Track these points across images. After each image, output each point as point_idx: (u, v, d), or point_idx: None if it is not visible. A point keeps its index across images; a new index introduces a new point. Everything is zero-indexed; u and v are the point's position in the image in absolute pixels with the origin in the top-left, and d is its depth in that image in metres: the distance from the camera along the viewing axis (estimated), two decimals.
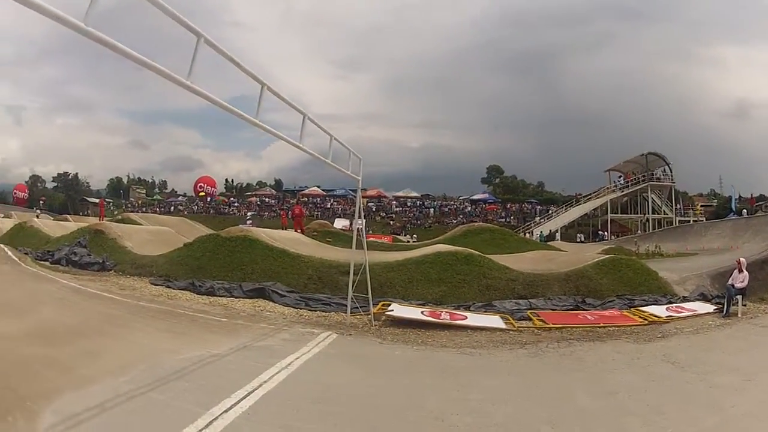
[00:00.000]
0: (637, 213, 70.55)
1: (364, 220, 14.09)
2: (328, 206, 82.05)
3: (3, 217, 56.04)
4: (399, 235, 59.04)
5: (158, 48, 5.78)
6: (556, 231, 64.60)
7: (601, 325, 14.06)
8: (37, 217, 50.87)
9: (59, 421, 6.85)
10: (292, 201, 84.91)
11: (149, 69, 5.91)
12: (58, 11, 4.47)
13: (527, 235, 61.06)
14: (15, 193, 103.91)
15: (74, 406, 7.36)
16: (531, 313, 15.35)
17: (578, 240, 61.55)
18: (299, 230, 35.79)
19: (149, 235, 32.60)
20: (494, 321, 14.39)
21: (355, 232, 16.37)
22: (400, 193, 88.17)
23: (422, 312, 14.83)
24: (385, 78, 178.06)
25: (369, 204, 77.98)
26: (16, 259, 24.93)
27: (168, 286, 19.91)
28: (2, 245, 28.96)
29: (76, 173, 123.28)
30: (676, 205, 70.24)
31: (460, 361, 10.70)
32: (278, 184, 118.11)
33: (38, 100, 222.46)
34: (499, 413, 7.59)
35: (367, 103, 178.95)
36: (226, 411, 7.47)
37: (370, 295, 15.09)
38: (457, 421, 7.22)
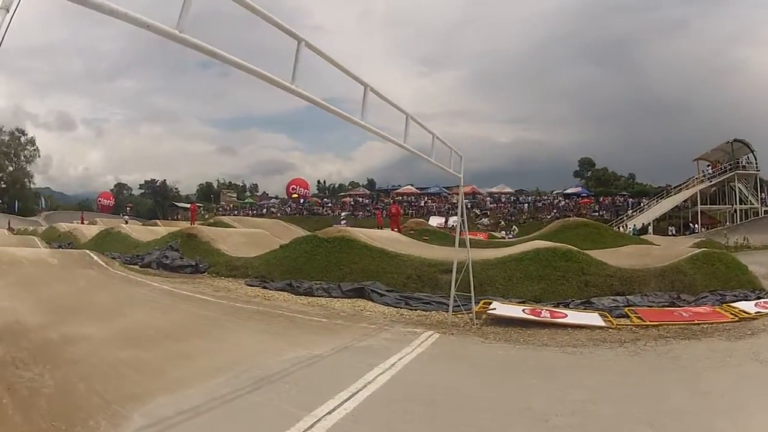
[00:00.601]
0: (725, 204, 68.06)
1: (464, 218, 13.89)
2: (422, 204, 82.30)
3: (88, 224, 58.56)
4: (494, 231, 58.82)
5: (247, 53, 5.80)
6: (648, 224, 63.53)
7: (696, 322, 13.61)
8: (126, 223, 52.67)
9: (148, 425, 6.82)
10: (386, 200, 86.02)
11: (252, 74, 6.09)
12: (151, 21, 4.60)
13: (620, 228, 60.12)
14: (99, 200, 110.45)
15: (165, 410, 7.35)
16: (628, 310, 15.01)
17: (670, 233, 60.40)
18: (396, 229, 36.31)
19: (243, 237, 33.51)
20: (594, 319, 14.14)
21: (458, 230, 16.20)
22: (494, 189, 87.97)
23: (523, 310, 14.65)
24: (469, 74, 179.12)
25: (464, 201, 77.63)
26: (102, 263, 25.66)
27: (264, 287, 20.32)
28: (88, 251, 29.92)
29: (164, 180, 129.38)
30: (761, 195, 67.05)
31: (562, 361, 10.48)
32: (371, 183, 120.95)
33: (120, 112, 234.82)
34: (601, 414, 7.36)
35: (453, 99, 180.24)
36: (329, 413, 7.33)
37: (473, 294, 14.84)
38: (561, 423, 6.99)
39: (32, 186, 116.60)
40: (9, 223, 70.90)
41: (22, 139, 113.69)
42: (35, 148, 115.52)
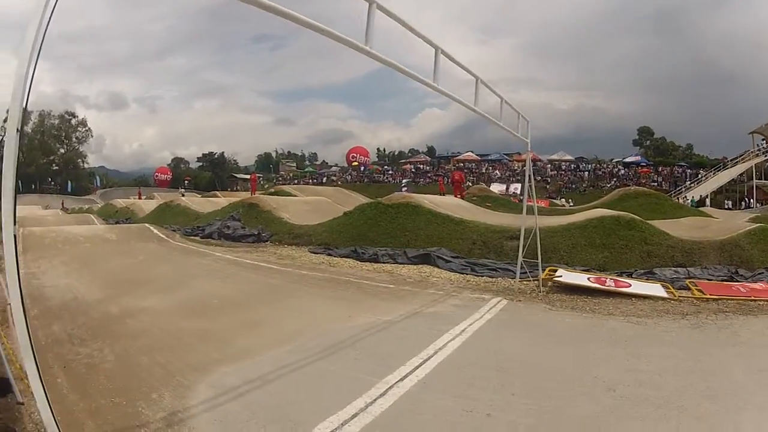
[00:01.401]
0: None
1: (532, 183, 13.86)
2: (483, 171, 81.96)
3: (146, 199, 59.72)
4: (554, 198, 58.25)
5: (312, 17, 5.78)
6: (706, 196, 62.16)
7: (753, 298, 13.25)
8: (182, 195, 53.36)
9: (216, 395, 6.75)
10: (447, 167, 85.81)
11: (328, 36, 6.12)
12: None
13: (679, 200, 58.49)
14: (156, 175, 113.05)
15: (232, 379, 7.31)
16: (689, 282, 14.72)
17: (726, 207, 58.79)
18: (459, 195, 36.15)
19: (306, 205, 33.92)
20: (656, 289, 13.92)
21: (525, 196, 16.11)
22: (554, 156, 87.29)
23: (588, 278, 14.55)
24: (527, 42, 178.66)
25: (524, 167, 77.04)
26: (163, 236, 26.23)
27: (329, 254, 20.55)
28: (147, 225, 30.36)
29: (222, 152, 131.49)
30: None
31: (628, 330, 10.34)
32: (431, 150, 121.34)
33: (173, 89, 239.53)
34: (666, 385, 7.17)
35: (512, 67, 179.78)
36: (401, 379, 7.26)
37: (539, 261, 14.80)
38: (628, 393, 6.85)
39: (86, 166, 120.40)
40: (62, 203, 73.04)
41: (73, 121, 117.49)
42: (87, 129, 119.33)
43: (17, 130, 3.42)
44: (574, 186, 72.13)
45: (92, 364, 8.08)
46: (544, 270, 14.95)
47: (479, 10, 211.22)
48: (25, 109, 3.47)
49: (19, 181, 3.72)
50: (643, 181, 69.26)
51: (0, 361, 7.28)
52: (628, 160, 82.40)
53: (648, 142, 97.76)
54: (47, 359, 7.71)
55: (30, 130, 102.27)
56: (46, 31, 3.49)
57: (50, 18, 3.48)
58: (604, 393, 6.85)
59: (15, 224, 3.58)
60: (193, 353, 8.60)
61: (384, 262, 18.49)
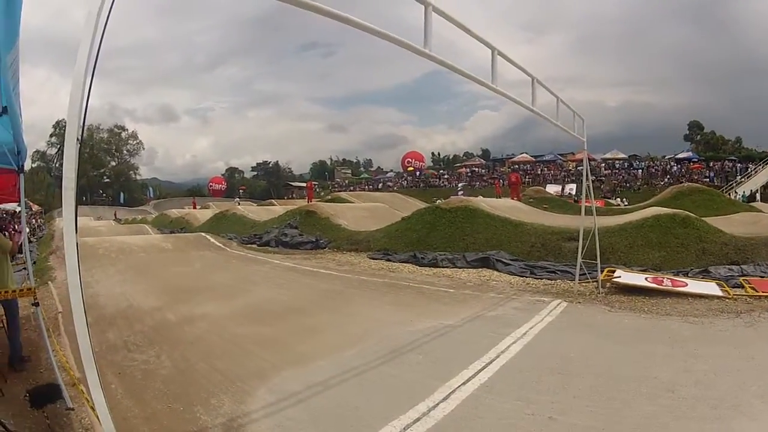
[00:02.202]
0: None
1: (590, 183, 13.90)
2: (538, 172, 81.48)
3: (201, 209, 60.62)
4: (610, 198, 57.68)
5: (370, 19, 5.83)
6: (756, 191, 60.35)
7: None
8: (238, 204, 53.90)
9: (276, 400, 6.74)
10: (502, 169, 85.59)
11: (389, 40, 6.13)
12: None
13: (730, 195, 57.36)
14: (211, 185, 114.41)
15: (293, 384, 7.31)
16: (743, 279, 14.50)
17: None
18: (516, 198, 36.17)
19: (364, 211, 34.25)
20: (712, 288, 13.93)
21: (584, 196, 15.99)
22: (607, 155, 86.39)
23: (646, 278, 14.47)
24: (573, 38, 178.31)
25: (578, 168, 76.52)
26: (219, 245, 26.67)
27: (388, 260, 20.67)
28: (203, 234, 30.76)
29: (276, 161, 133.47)
30: None
31: (685, 330, 10.26)
32: (485, 153, 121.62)
33: (225, 100, 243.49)
34: (720, 385, 7.11)
35: (559, 65, 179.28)
36: (464, 383, 7.22)
37: (599, 262, 14.77)
38: (686, 393, 6.80)
39: (138, 177, 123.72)
40: (115, 214, 74.51)
41: (123, 134, 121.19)
42: (138, 141, 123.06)
43: (77, 140, 3.44)
44: (628, 185, 71.20)
45: (149, 371, 8.17)
46: (602, 271, 14.95)
47: (523, 7, 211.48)
48: (84, 120, 3.49)
49: None
50: (695, 177, 67.71)
51: (51, 368, 7.40)
52: (680, 156, 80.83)
53: (698, 137, 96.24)
54: (101, 366, 7.81)
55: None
56: (100, 45, 3.53)
57: (103, 32, 3.52)
58: (663, 394, 6.79)
59: (76, 233, 3.60)
60: (253, 359, 8.64)
61: (443, 267, 18.51)
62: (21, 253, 12.28)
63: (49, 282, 16.86)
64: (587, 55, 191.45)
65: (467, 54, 8.71)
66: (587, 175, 14.99)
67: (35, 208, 52.44)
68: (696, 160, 75.54)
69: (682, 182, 53.82)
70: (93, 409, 5.46)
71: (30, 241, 16.52)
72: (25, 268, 15.66)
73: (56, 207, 66.40)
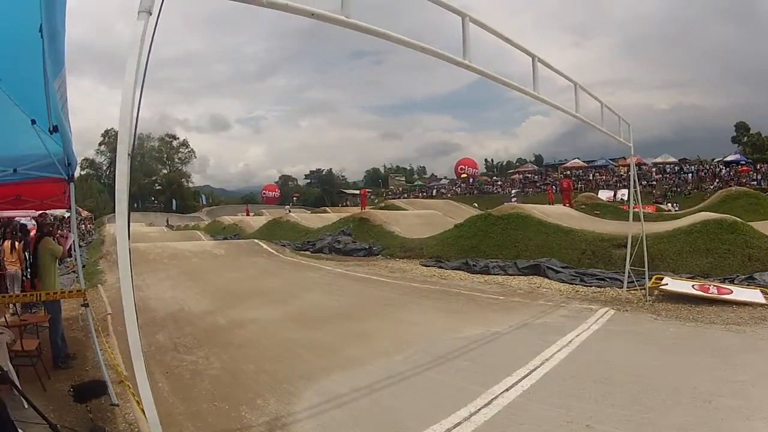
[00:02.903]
0: None
1: (638, 189, 13.92)
2: (590, 178, 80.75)
3: (254, 215, 61.26)
4: (661, 203, 56.93)
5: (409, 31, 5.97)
6: None
7: None
8: (288, 212, 54.35)
9: (321, 402, 6.90)
10: (554, 175, 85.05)
11: (428, 53, 6.28)
12: (315, 9, 4.84)
13: None
14: (264, 193, 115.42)
15: (340, 387, 7.46)
16: None
17: None
18: (568, 204, 35.94)
19: (417, 218, 34.28)
20: (755, 295, 13.78)
21: (631, 202, 16.00)
22: (658, 159, 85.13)
23: (693, 286, 14.44)
24: (620, 40, 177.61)
25: (629, 173, 75.62)
26: (272, 251, 27.05)
27: (440, 267, 20.81)
28: (256, 240, 31.12)
29: (330, 168, 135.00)
30: None
31: (727, 339, 10.25)
32: (538, 159, 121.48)
33: (277, 108, 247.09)
34: (756, 396, 7.07)
35: (607, 68, 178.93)
36: (506, 390, 7.28)
37: (646, 270, 14.74)
38: (722, 404, 6.77)
39: (190, 185, 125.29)
40: (167, 221, 75.37)
41: (174, 143, 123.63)
42: (189, 150, 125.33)
43: (128, 154, 3.61)
44: (678, 189, 70.22)
45: (197, 371, 8.45)
46: (650, 278, 14.88)
47: (569, 10, 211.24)
48: (134, 138, 3.67)
49: None
50: (744, 180, 66.58)
51: (98, 366, 7.66)
52: (728, 159, 79.52)
53: (745, 138, 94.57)
54: (149, 366, 8.05)
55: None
56: (147, 60, 3.69)
57: (151, 45, 3.67)
58: (700, 404, 6.80)
59: (129, 238, 3.77)
60: (302, 362, 8.85)
61: (495, 274, 18.62)
62: (70, 256, 12.58)
63: (99, 285, 17.45)
64: (635, 58, 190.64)
65: (512, 60, 8.78)
66: (635, 182, 14.99)
67: (84, 213, 53.32)
68: (744, 162, 74.11)
69: (731, 186, 53.18)
70: (139, 404, 5.66)
71: (80, 246, 16.95)
72: (74, 272, 16.09)
73: (106, 213, 67.71)
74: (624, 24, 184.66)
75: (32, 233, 14.51)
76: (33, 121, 5.22)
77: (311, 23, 4.96)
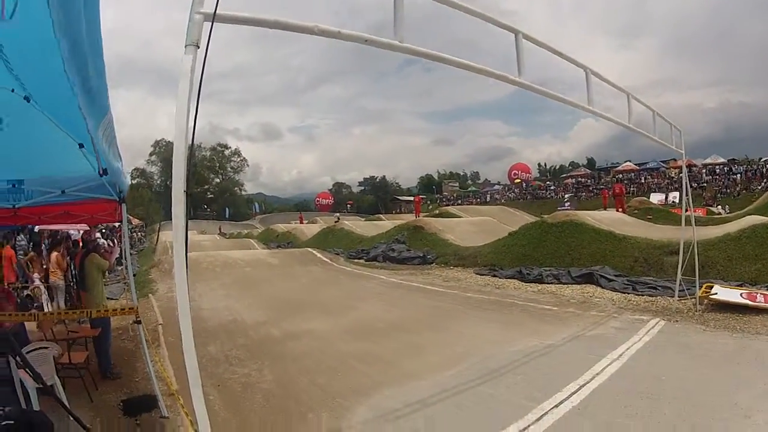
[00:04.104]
0: None
1: (689, 197, 13.90)
2: (642, 181, 80.00)
3: (308, 223, 61.69)
4: (711, 206, 56.15)
5: (457, 50, 6.09)
6: None
7: None
8: (337, 220, 54.84)
9: (374, 417, 6.96)
10: (607, 179, 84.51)
11: (483, 74, 6.36)
12: (369, 35, 5.00)
13: None
14: (318, 200, 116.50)
15: (392, 402, 7.51)
16: None
17: None
18: (621, 209, 35.87)
19: (471, 226, 34.44)
20: None
21: (684, 211, 15.86)
22: (708, 160, 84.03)
23: (741, 294, 14.22)
24: (665, 39, 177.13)
25: (681, 175, 74.58)
26: (326, 260, 27.34)
27: (494, 275, 20.86)
28: (310, 249, 31.42)
29: (383, 175, 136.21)
30: None
31: None
32: (591, 162, 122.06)
33: (330, 117, 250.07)
34: None
35: (656, 68, 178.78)
36: (556, 406, 7.31)
37: (697, 279, 14.73)
38: (761, 420, 6.78)
39: (243, 193, 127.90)
40: (220, 229, 76.63)
41: (226, 152, 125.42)
42: (242, 158, 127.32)
43: (185, 192, 3.68)
44: (728, 191, 69.11)
45: (249, 384, 8.60)
46: (701, 287, 14.81)
47: (617, 11, 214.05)
48: (190, 174, 3.72)
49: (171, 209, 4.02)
50: None
51: (148, 378, 7.83)
52: None
53: None
54: (201, 377, 8.20)
55: None
56: (200, 89, 3.76)
57: (201, 77, 3.74)
58: (739, 420, 6.81)
59: (186, 263, 3.83)
60: (356, 375, 8.94)
61: (548, 283, 18.66)
62: (120, 265, 12.86)
63: (150, 295, 17.83)
64: (682, 57, 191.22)
65: (563, 70, 8.86)
66: (686, 190, 14.88)
67: (135, 221, 54.32)
68: None
69: None
70: (188, 416, 5.81)
71: (131, 254, 17.35)
72: (126, 282, 16.38)
73: (157, 221, 68.79)
74: (669, 23, 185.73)
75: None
76: (81, 145, 5.29)
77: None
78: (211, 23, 3.77)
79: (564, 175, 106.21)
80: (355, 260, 28.48)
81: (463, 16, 5.88)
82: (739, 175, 71.64)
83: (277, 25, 4.30)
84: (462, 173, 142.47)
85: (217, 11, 3.79)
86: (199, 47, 3.81)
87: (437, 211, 51.78)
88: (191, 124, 3.69)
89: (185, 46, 3.80)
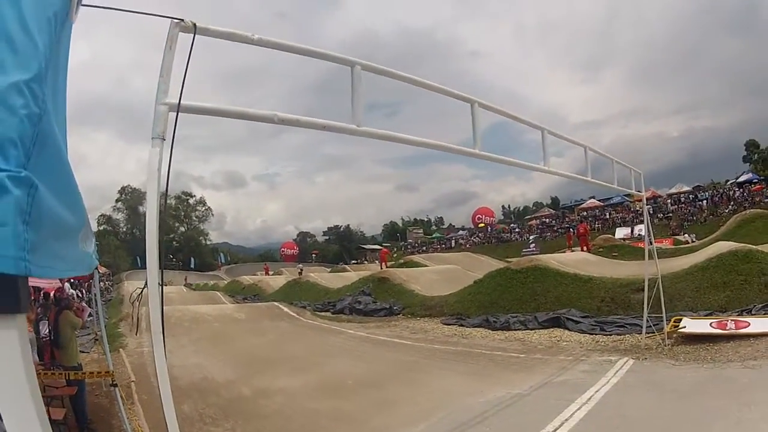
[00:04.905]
0: None
1: (651, 237, 14.20)
2: (607, 216, 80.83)
3: (273, 275, 61.53)
4: (678, 235, 56.85)
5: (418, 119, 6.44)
6: None
7: None
8: (300, 272, 54.99)
9: None
10: (571, 218, 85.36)
11: (438, 149, 7.27)
12: (327, 122, 5.51)
13: None
14: (283, 250, 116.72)
15: None
16: None
17: None
18: (585, 249, 36.95)
19: (436, 275, 34.44)
20: None
21: (646, 250, 16.12)
22: (672, 190, 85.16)
23: (710, 324, 14.73)
24: (628, 69, 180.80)
25: (646, 206, 75.41)
26: (293, 314, 27.24)
27: (461, 325, 21.00)
28: (276, 302, 31.45)
29: (348, 225, 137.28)
30: None
31: (742, 377, 10.41)
32: (555, 202, 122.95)
33: (292, 164, 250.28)
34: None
35: (619, 99, 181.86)
36: None
37: (664, 314, 15.02)
38: None
39: (208, 242, 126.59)
40: (185, 279, 75.39)
41: (191, 200, 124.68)
42: (206, 207, 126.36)
43: (159, 284, 3.80)
44: (694, 218, 69.67)
45: None
46: (669, 321, 15.05)
47: (578, 43, 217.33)
48: (161, 251, 3.82)
49: (138, 257, 4.08)
50: (758, 199, 65.93)
51: None
52: (741, 179, 78.74)
53: (756, 156, 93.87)
54: None
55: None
56: (168, 181, 3.90)
57: (169, 169, 3.86)
58: None
59: (163, 332, 3.95)
60: None
61: (516, 329, 18.82)
62: (91, 316, 13.04)
63: (121, 350, 17.74)
64: (645, 85, 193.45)
65: (527, 101, 9.11)
66: (648, 229, 15.29)
67: (102, 270, 53.70)
68: (756, 181, 73.55)
69: (746, 207, 53.20)
70: None
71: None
72: (96, 338, 16.41)
73: (123, 269, 68.01)
74: (628, 50, 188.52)
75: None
76: None
77: (324, 80, 5.32)
78: (176, 114, 3.99)
79: (528, 217, 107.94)
80: (322, 313, 28.52)
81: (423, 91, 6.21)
82: (704, 201, 72.35)
83: (239, 115, 4.68)
84: (426, 219, 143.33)
85: (181, 102, 3.99)
86: (164, 139, 3.96)
87: (402, 261, 52.12)
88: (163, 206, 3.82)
89: (152, 139, 3.94)
